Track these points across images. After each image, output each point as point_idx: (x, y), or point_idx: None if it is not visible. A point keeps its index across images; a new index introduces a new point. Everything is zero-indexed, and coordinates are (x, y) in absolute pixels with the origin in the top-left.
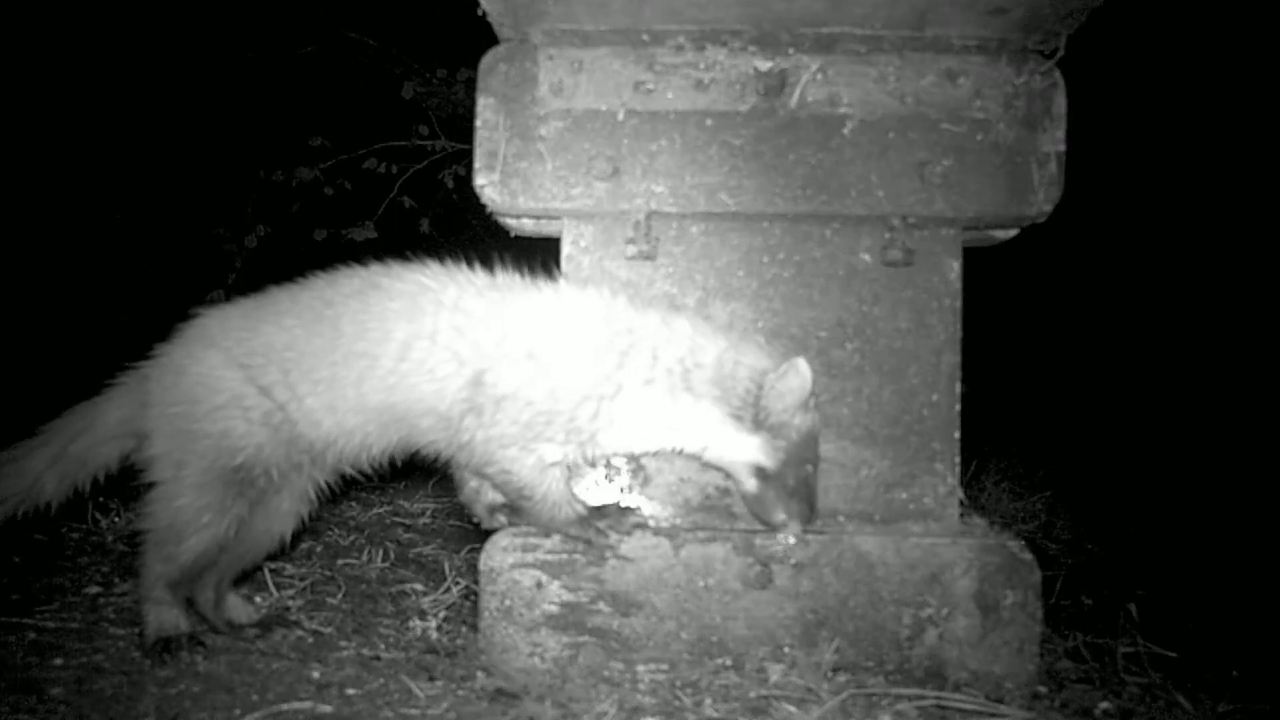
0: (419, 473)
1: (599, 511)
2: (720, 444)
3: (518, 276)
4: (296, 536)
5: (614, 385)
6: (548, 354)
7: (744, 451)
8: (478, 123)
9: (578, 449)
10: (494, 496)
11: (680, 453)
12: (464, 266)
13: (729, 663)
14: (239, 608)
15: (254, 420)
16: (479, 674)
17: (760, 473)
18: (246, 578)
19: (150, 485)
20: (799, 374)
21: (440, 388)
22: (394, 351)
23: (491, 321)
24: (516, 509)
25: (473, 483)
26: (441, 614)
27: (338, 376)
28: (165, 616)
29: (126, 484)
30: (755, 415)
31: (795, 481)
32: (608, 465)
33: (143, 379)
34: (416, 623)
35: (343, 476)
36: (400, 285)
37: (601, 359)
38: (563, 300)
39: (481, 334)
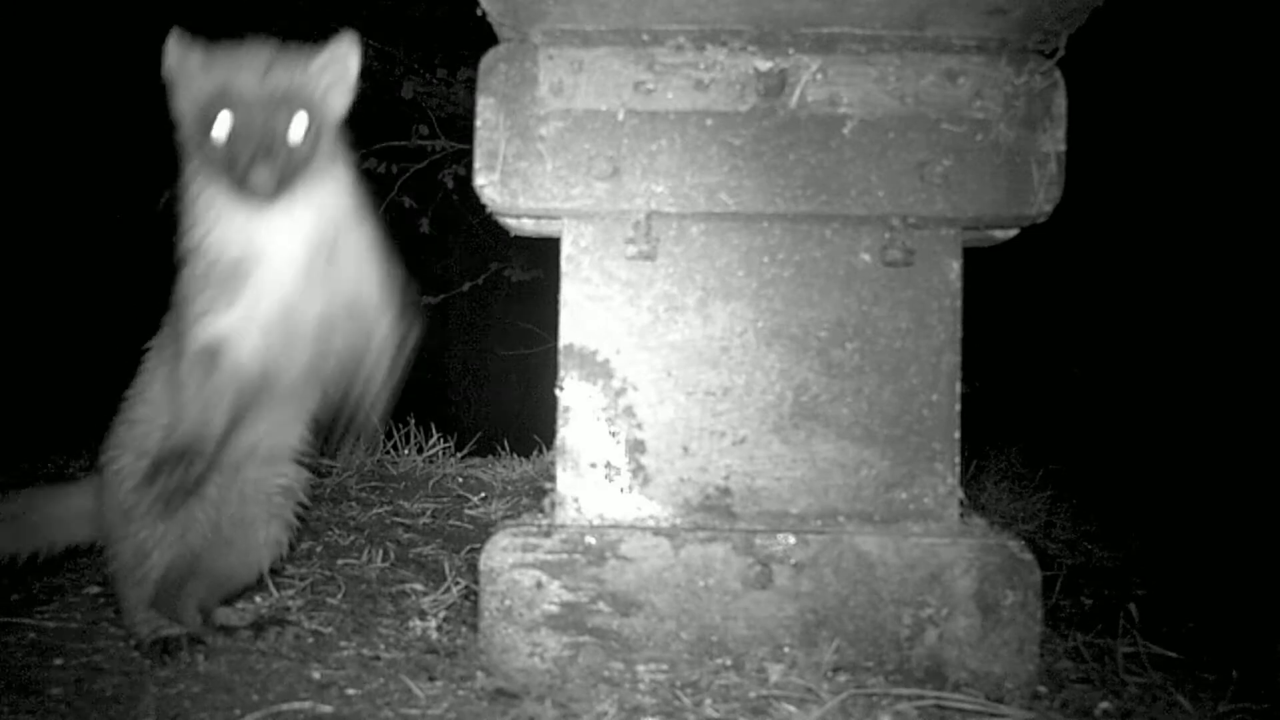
0: (419, 474)
1: None
2: None
3: None
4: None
5: None
6: None
7: None
8: (478, 123)
9: None
10: None
11: None
12: None
13: (729, 663)
14: (229, 615)
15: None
16: (479, 674)
17: None
18: (233, 600)
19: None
20: None
21: None
22: None
23: None
24: None
25: None
26: (441, 614)
27: None
28: (156, 623)
29: None
30: None
31: None
32: (608, 465)
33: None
34: (416, 623)
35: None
36: None
37: None
38: None
39: None
